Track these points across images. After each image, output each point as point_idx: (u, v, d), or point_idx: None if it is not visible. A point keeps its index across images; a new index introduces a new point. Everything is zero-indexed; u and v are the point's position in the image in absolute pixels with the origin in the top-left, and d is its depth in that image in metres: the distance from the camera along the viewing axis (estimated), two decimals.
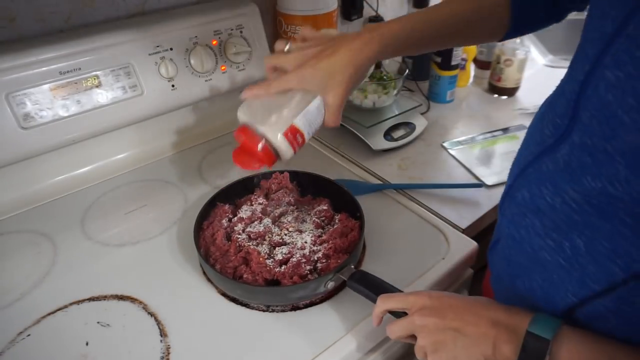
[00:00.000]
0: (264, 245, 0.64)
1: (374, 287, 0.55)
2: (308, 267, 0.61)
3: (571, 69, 0.42)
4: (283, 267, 0.60)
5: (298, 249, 0.63)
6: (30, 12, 0.78)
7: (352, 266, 0.59)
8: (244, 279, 0.60)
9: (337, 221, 0.68)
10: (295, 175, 0.77)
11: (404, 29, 0.54)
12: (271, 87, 0.53)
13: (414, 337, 0.47)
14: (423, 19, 0.55)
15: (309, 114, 0.53)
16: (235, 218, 0.69)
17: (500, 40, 0.61)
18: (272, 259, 0.62)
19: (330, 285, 0.58)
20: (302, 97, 0.53)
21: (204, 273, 0.66)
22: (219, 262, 0.62)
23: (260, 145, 0.52)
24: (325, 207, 0.70)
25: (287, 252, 0.62)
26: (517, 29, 0.59)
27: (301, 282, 0.58)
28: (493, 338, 0.40)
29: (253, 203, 0.72)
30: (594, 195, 0.36)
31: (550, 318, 0.39)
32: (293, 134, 0.53)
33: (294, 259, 0.61)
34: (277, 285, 0.59)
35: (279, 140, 0.52)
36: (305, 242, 0.64)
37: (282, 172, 0.76)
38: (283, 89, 0.53)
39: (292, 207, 0.72)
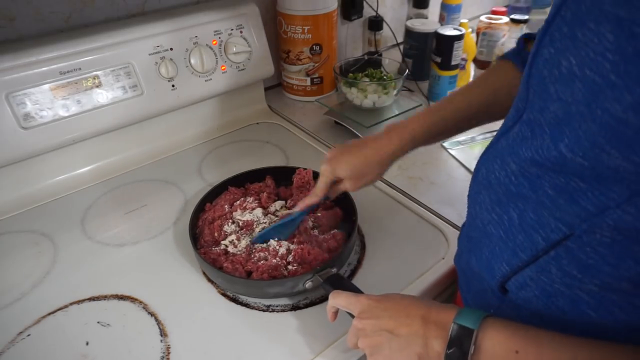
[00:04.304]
0: (245, 239, 0.66)
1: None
2: (281, 264, 0.62)
3: None
4: (262, 262, 0.62)
5: (275, 247, 0.64)
6: (30, 12, 0.78)
7: (334, 270, 0.60)
8: (224, 268, 0.61)
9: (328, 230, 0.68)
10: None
11: (421, 130, 0.60)
12: None
13: None
14: (441, 116, 0.60)
15: None
16: (237, 202, 0.71)
17: None
18: (251, 253, 0.64)
19: (309, 285, 0.59)
20: None
21: (204, 273, 0.66)
22: (205, 248, 0.65)
23: None
24: (320, 214, 0.70)
25: (264, 248, 0.64)
26: None
27: (271, 279, 0.59)
28: (423, 335, 0.41)
29: (262, 191, 0.74)
30: (527, 166, 0.40)
31: (474, 310, 0.41)
32: None
33: (268, 256, 0.63)
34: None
35: None
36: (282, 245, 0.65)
37: (305, 168, 0.76)
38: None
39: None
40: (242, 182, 0.77)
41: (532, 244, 0.40)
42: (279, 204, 0.73)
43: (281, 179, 0.78)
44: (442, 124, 0.60)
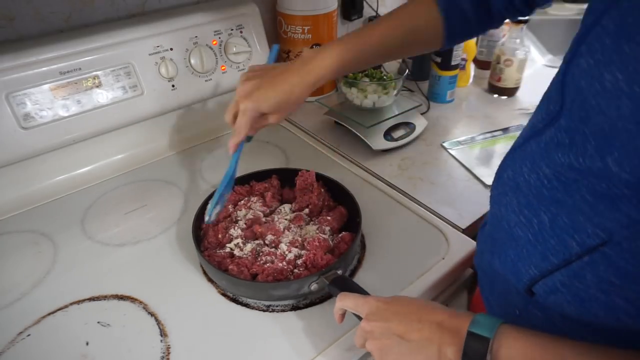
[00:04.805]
0: (251, 242, 0.66)
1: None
2: (287, 268, 0.61)
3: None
4: (268, 265, 0.61)
5: (284, 251, 0.64)
6: (30, 12, 0.78)
7: (339, 272, 0.59)
8: (229, 270, 0.61)
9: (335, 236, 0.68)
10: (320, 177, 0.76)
11: (342, 59, 0.60)
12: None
13: None
14: (361, 49, 0.61)
15: None
16: (242, 202, 0.72)
17: (437, 49, 0.66)
18: (258, 256, 0.64)
19: (314, 287, 0.58)
20: None
21: (204, 273, 0.66)
22: (209, 250, 0.64)
23: None
24: (329, 217, 0.70)
25: (271, 252, 0.64)
26: (452, 42, 0.64)
27: (276, 281, 0.59)
28: (437, 342, 0.41)
29: (266, 191, 0.74)
30: (563, 171, 0.39)
31: (490, 317, 0.40)
32: None
33: (275, 260, 0.62)
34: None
35: None
36: (287, 247, 0.64)
37: (308, 170, 0.75)
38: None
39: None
40: (245, 183, 0.77)
41: (565, 248, 0.39)
42: (287, 207, 0.72)
43: (283, 180, 0.78)
44: (363, 57, 0.61)
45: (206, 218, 0.64)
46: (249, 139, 0.64)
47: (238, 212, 0.71)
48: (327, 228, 0.67)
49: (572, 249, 0.38)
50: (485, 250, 0.54)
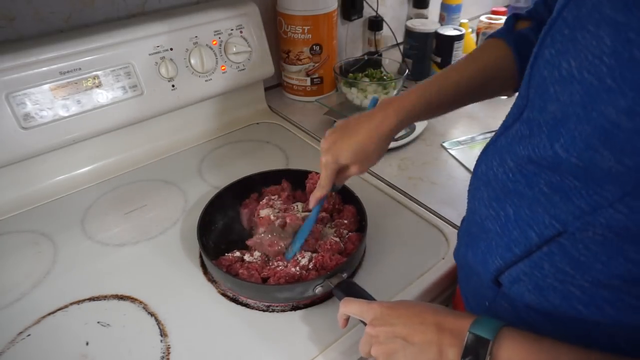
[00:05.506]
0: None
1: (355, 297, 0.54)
2: (299, 273, 0.61)
3: None
4: (280, 268, 0.61)
5: (297, 258, 0.63)
6: (30, 12, 0.78)
7: (344, 275, 0.59)
8: (239, 274, 0.61)
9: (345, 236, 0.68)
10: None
11: (419, 102, 0.59)
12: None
13: None
14: (435, 92, 0.59)
15: None
16: (263, 201, 0.72)
17: (513, 93, 0.62)
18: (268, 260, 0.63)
19: (319, 290, 0.58)
20: None
21: (205, 273, 0.66)
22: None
23: None
24: (346, 221, 0.70)
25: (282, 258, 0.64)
26: None
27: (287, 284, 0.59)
28: (438, 343, 0.41)
29: (278, 195, 0.74)
30: (523, 163, 0.41)
31: (491, 320, 0.40)
32: None
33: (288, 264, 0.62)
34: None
35: None
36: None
37: (317, 172, 0.75)
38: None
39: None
40: (247, 185, 0.77)
41: (526, 240, 0.41)
42: (300, 205, 0.72)
43: (293, 183, 0.78)
44: (436, 101, 0.59)
45: (288, 256, 0.64)
46: (334, 187, 0.64)
47: (261, 211, 0.71)
48: (345, 232, 0.68)
49: (532, 240, 0.40)
50: (462, 244, 0.55)
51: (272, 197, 0.73)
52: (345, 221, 0.69)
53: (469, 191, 0.53)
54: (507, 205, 0.43)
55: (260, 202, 0.73)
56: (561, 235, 0.37)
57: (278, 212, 0.69)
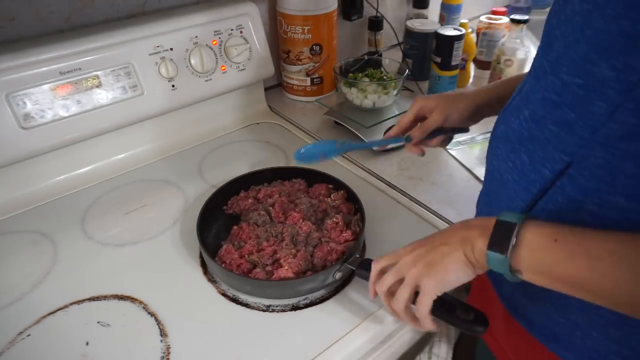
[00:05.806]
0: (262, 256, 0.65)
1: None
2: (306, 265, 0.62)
3: None
4: (287, 264, 0.62)
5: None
6: (30, 12, 0.78)
7: (357, 255, 0.61)
8: (254, 274, 0.61)
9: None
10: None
11: (488, 97, 0.65)
12: None
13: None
14: (502, 90, 0.64)
15: None
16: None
17: None
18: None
19: (339, 275, 0.60)
20: None
21: (205, 273, 0.66)
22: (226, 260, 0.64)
23: None
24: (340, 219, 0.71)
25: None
26: None
27: (304, 276, 0.60)
28: (470, 238, 0.45)
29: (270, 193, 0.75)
30: (535, 109, 0.45)
31: (517, 212, 0.44)
32: None
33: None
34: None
35: None
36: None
37: (322, 183, 0.78)
38: None
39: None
40: (247, 183, 0.77)
41: (542, 178, 0.44)
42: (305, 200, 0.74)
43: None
44: (504, 98, 0.64)
45: (301, 150, 0.66)
46: (407, 138, 0.66)
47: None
48: (339, 215, 0.70)
49: (546, 177, 0.44)
50: (482, 205, 0.59)
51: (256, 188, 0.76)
52: (342, 212, 0.71)
53: (488, 154, 0.56)
54: (522, 154, 0.47)
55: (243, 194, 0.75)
56: (570, 166, 0.41)
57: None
